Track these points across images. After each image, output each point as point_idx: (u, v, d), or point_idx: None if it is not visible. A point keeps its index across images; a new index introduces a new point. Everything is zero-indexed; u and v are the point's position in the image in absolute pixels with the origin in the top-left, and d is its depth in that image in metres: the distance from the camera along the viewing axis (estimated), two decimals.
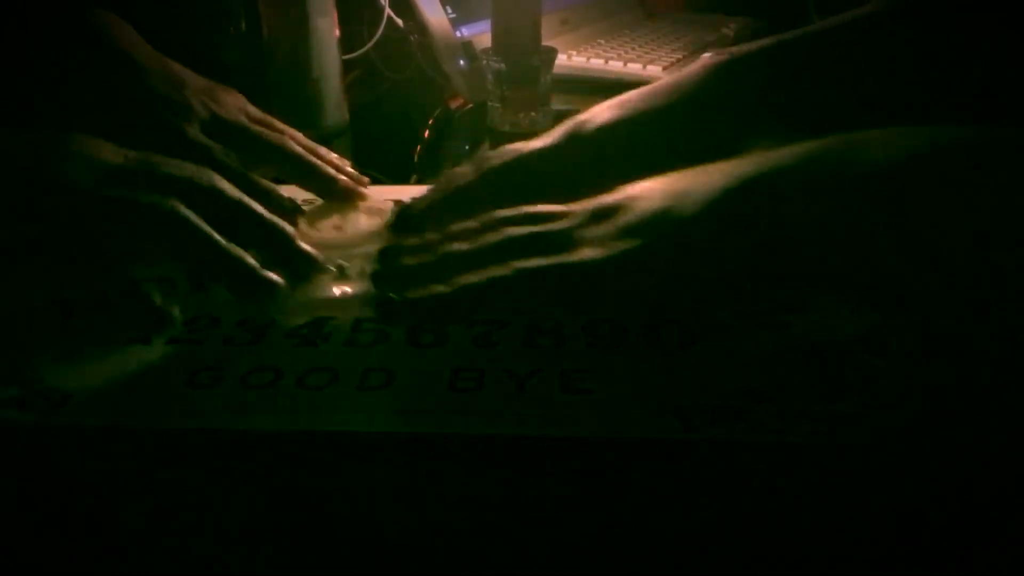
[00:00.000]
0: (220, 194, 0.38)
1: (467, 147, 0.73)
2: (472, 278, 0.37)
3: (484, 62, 0.69)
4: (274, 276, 0.38)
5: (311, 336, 0.40)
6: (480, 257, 0.38)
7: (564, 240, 0.37)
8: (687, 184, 0.36)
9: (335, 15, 0.69)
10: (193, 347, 0.39)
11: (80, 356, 0.38)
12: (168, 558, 0.28)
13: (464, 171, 0.49)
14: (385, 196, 0.54)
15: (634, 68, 0.88)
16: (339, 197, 0.52)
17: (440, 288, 0.37)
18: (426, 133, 0.77)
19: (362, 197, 0.52)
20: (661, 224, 0.35)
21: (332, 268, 0.44)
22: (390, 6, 0.82)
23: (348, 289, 0.43)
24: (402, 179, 0.62)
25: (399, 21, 0.83)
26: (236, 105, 0.54)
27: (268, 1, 0.65)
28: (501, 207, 0.41)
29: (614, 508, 0.30)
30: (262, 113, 0.55)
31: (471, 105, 0.81)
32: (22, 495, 0.31)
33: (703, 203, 0.35)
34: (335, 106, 0.71)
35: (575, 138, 0.48)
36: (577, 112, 0.53)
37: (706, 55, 0.49)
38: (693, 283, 0.36)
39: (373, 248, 0.45)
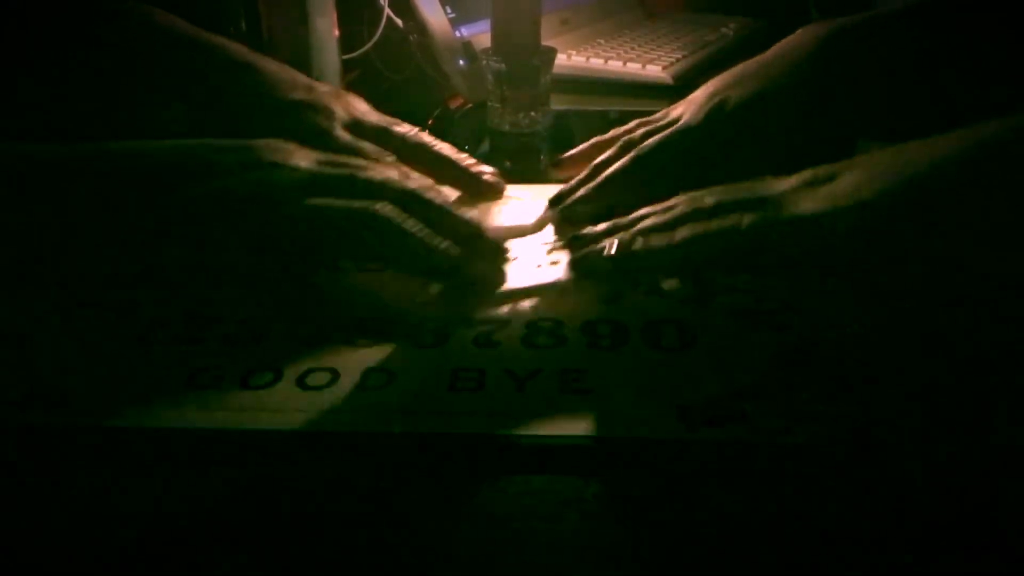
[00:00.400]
0: (416, 195, 0.39)
1: (467, 147, 0.73)
2: (701, 229, 0.37)
3: (484, 62, 0.69)
4: (480, 269, 0.39)
5: (311, 336, 0.40)
6: (690, 217, 0.38)
7: (781, 200, 0.37)
8: (901, 159, 0.35)
9: (335, 15, 0.69)
10: (193, 347, 0.39)
11: (80, 356, 0.38)
12: (168, 558, 0.28)
13: (611, 157, 0.50)
14: None
15: (634, 68, 0.88)
16: (485, 192, 0.52)
17: (659, 240, 0.38)
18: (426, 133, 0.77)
19: (502, 192, 0.53)
20: (880, 187, 0.34)
21: (515, 256, 0.45)
22: (390, 6, 0.82)
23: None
24: None
25: (399, 21, 0.83)
26: (366, 107, 0.54)
27: (268, 1, 0.65)
28: (654, 188, 0.42)
29: (614, 508, 0.30)
30: (385, 116, 0.54)
31: (471, 105, 0.81)
32: (22, 495, 0.31)
33: (928, 175, 0.34)
34: None
35: (714, 119, 0.49)
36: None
37: (805, 28, 0.50)
38: (919, 252, 0.35)
39: (538, 239, 0.48)
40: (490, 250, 0.41)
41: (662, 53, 0.95)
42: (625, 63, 0.89)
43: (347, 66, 0.75)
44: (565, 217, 0.50)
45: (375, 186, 0.38)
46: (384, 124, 0.52)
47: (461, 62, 0.80)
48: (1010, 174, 0.33)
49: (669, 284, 0.42)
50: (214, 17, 0.65)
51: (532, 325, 0.40)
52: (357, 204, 0.36)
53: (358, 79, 0.84)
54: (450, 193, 0.51)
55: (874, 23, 0.49)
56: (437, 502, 0.30)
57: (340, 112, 0.51)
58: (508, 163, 0.66)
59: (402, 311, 0.39)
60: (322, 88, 0.52)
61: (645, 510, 0.30)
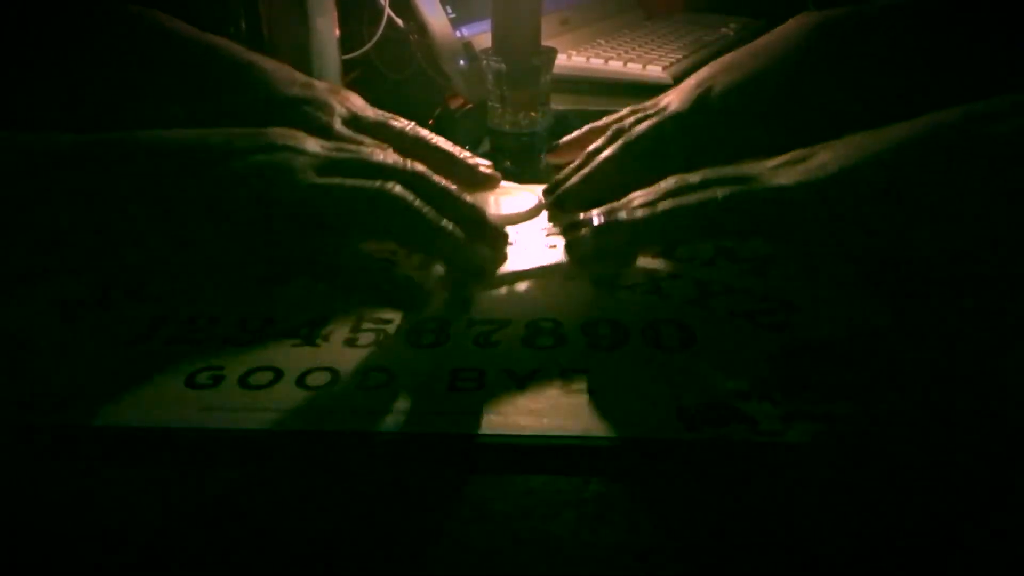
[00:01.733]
0: (424, 178, 0.40)
1: (467, 147, 0.73)
2: (681, 201, 0.39)
3: (484, 62, 0.69)
4: (484, 250, 0.40)
5: (311, 336, 0.40)
6: (677, 194, 0.40)
7: (761, 175, 0.39)
8: (873, 140, 0.37)
9: (335, 15, 0.69)
10: (193, 347, 0.39)
11: (80, 356, 0.38)
12: (168, 558, 0.28)
13: (603, 144, 0.51)
14: None
15: (634, 68, 0.88)
16: (482, 183, 0.53)
17: (650, 209, 0.39)
18: None
19: (498, 183, 0.54)
20: (853, 162, 0.36)
21: (515, 242, 0.46)
22: (390, 6, 0.82)
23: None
24: None
25: (399, 21, 0.83)
26: (361, 103, 0.54)
27: (268, 1, 0.65)
28: (645, 175, 0.43)
29: (613, 508, 0.30)
30: (381, 112, 0.55)
31: (471, 105, 0.81)
32: (22, 495, 0.31)
33: (891, 153, 0.36)
34: None
35: (702, 105, 0.50)
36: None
37: (797, 17, 0.51)
38: (886, 220, 0.36)
39: (532, 224, 0.50)
40: (493, 234, 0.42)
41: (662, 53, 0.95)
42: (625, 63, 0.89)
43: (347, 66, 0.75)
44: (558, 205, 0.51)
45: (385, 168, 0.39)
46: (382, 119, 0.53)
47: (461, 62, 0.80)
48: (965, 155, 0.35)
49: (649, 252, 0.44)
50: (214, 17, 0.65)
51: (532, 325, 0.40)
52: (368, 183, 0.37)
53: (358, 79, 0.84)
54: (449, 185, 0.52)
55: (865, 16, 0.49)
56: (437, 502, 0.30)
57: (339, 108, 0.52)
58: (508, 163, 0.66)
59: (409, 278, 0.39)
60: (320, 85, 0.53)
61: (645, 510, 0.30)
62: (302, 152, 0.38)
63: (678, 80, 0.86)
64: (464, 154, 0.54)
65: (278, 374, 0.37)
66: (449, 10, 0.81)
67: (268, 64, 0.52)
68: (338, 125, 0.51)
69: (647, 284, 0.44)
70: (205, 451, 0.33)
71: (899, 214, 0.35)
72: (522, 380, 0.36)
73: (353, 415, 0.34)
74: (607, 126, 0.55)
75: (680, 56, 0.93)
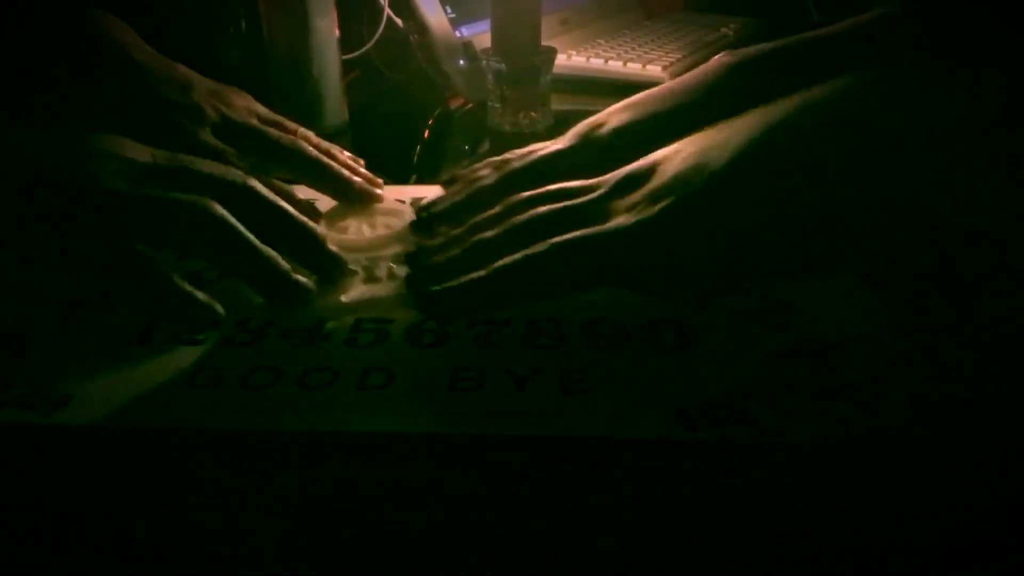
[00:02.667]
0: (254, 195, 0.38)
1: (467, 147, 0.73)
2: (507, 260, 0.37)
3: (484, 62, 0.69)
4: (305, 280, 0.38)
5: (311, 336, 0.40)
6: (513, 237, 0.38)
7: (596, 211, 0.37)
8: (713, 139, 0.36)
9: (335, 15, 0.69)
10: (193, 347, 0.39)
11: (80, 356, 0.38)
12: (168, 558, 0.28)
13: (480, 173, 0.49)
14: (391, 196, 0.54)
15: (634, 68, 0.88)
16: (355, 199, 0.51)
17: (478, 274, 0.37)
18: (426, 133, 0.77)
19: (378, 199, 0.52)
20: (692, 182, 0.35)
21: (358, 270, 0.44)
22: (390, 6, 0.82)
23: (379, 290, 0.43)
24: (402, 179, 0.62)
25: (399, 21, 0.83)
26: (245, 106, 0.53)
27: (268, 1, 0.65)
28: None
29: (614, 508, 0.30)
30: (272, 113, 0.54)
31: (471, 105, 0.81)
32: (22, 495, 0.31)
33: (732, 153, 0.35)
34: (335, 106, 0.71)
35: (588, 141, 0.49)
36: (583, 112, 0.54)
37: (718, 56, 0.49)
38: (729, 239, 0.35)
39: (396, 249, 0.46)
40: (327, 261, 0.40)
41: (662, 53, 0.95)
42: (625, 63, 0.89)
43: (347, 66, 0.75)
44: (418, 228, 0.48)
45: (208, 179, 0.38)
46: (257, 127, 0.52)
47: (461, 62, 0.80)
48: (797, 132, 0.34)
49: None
50: (214, 17, 0.65)
51: (532, 325, 0.40)
52: (181, 195, 0.36)
53: (358, 79, 0.84)
54: (328, 201, 0.51)
55: (779, 55, 0.48)
56: (437, 502, 0.30)
57: (210, 113, 0.50)
58: None
59: (205, 303, 0.38)
60: (201, 87, 0.52)
61: (645, 510, 0.30)
62: (117, 159, 0.36)
63: None
64: (349, 166, 0.52)
65: (278, 374, 0.37)
66: (449, 10, 0.81)
67: (151, 64, 0.51)
68: (204, 134, 0.49)
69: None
70: (205, 451, 0.33)
71: (749, 222, 0.35)
72: (522, 380, 0.36)
73: (353, 415, 0.34)
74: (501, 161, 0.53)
75: (680, 56, 0.93)
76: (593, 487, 0.31)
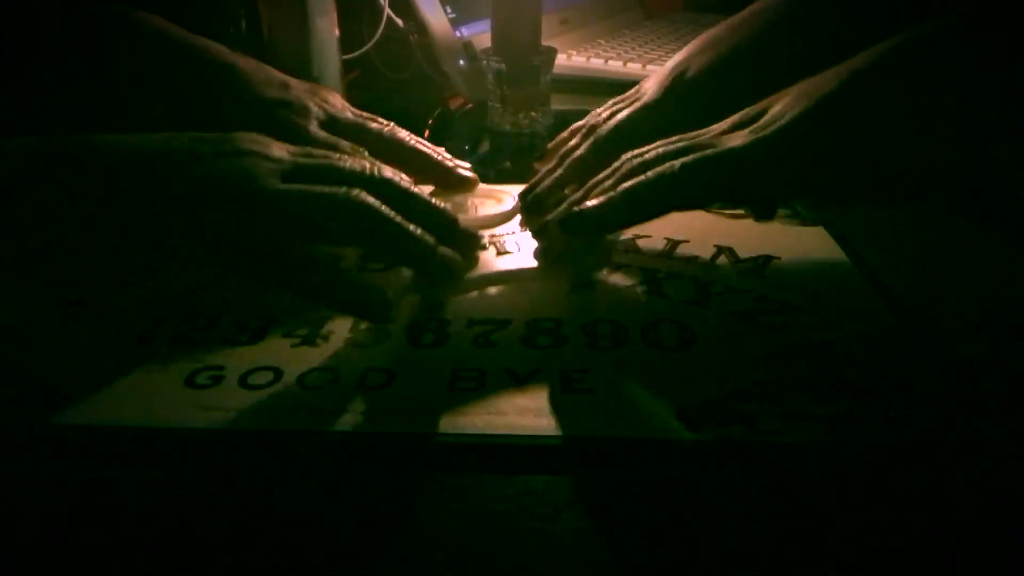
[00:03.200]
0: (392, 184, 0.40)
1: (467, 147, 0.73)
2: (641, 178, 0.40)
3: (484, 62, 0.69)
4: (453, 254, 0.39)
5: (311, 336, 0.40)
6: (634, 172, 0.41)
7: (713, 143, 0.40)
8: (817, 81, 0.39)
9: (335, 15, 0.69)
10: (193, 347, 0.39)
11: (80, 356, 0.38)
12: (167, 558, 0.28)
13: (573, 144, 0.52)
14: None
15: (634, 68, 0.88)
16: (456, 186, 0.53)
17: (611, 194, 0.40)
18: (426, 133, 0.77)
19: (476, 184, 0.53)
20: (798, 112, 0.38)
21: (487, 246, 0.45)
22: (390, 6, 0.82)
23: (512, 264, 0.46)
24: None
25: (399, 21, 0.83)
26: (341, 103, 0.54)
27: (268, 1, 0.65)
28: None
29: (614, 508, 0.30)
30: (360, 111, 0.55)
31: (471, 105, 0.81)
32: (22, 495, 0.31)
33: (836, 89, 0.37)
34: None
35: (675, 90, 0.51)
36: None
37: None
38: (831, 161, 0.38)
39: (511, 226, 0.50)
40: (463, 238, 0.41)
41: (662, 53, 0.95)
42: (625, 63, 0.89)
43: (347, 66, 0.75)
44: (529, 208, 0.50)
45: (352, 174, 0.39)
46: (359, 121, 0.53)
47: (461, 62, 0.80)
48: (905, 80, 0.37)
49: (613, 238, 0.44)
50: (214, 17, 0.65)
51: (532, 325, 0.40)
52: (333, 189, 0.37)
53: (358, 79, 0.84)
54: (425, 188, 0.52)
55: None
56: (437, 502, 0.30)
57: (315, 109, 0.51)
58: (508, 163, 0.66)
59: (376, 287, 0.39)
60: (298, 86, 0.53)
61: (645, 510, 0.30)
62: (267, 158, 0.37)
63: None
64: (442, 156, 0.53)
65: (278, 374, 0.37)
66: (449, 10, 0.81)
67: (248, 64, 0.52)
68: (313, 128, 0.50)
69: (647, 284, 0.44)
70: (205, 451, 0.33)
71: (849, 146, 0.37)
72: (522, 380, 0.36)
73: (353, 415, 0.34)
74: (585, 124, 0.55)
75: None
76: (593, 487, 0.31)
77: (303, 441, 0.33)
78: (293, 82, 0.53)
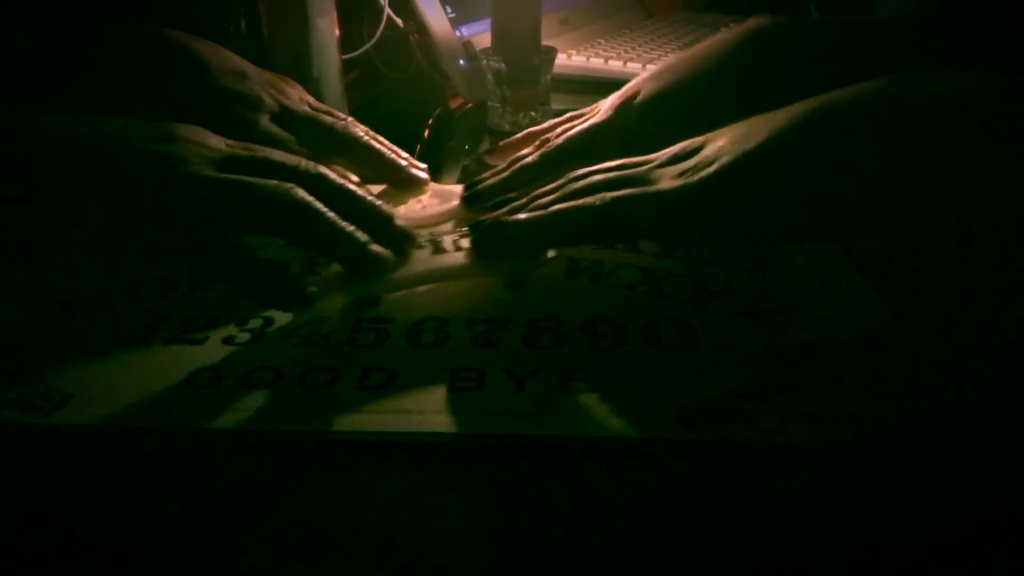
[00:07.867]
0: (327, 180, 0.40)
1: (467, 147, 0.73)
2: (566, 205, 0.40)
3: (484, 62, 0.69)
4: (384, 251, 0.40)
5: (311, 336, 0.40)
6: (571, 196, 0.41)
7: (647, 178, 0.40)
8: (760, 123, 0.38)
9: (335, 15, 0.69)
10: (193, 347, 0.39)
11: (80, 356, 0.38)
12: (167, 558, 0.28)
13: (526, 152, 0.52)
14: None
15: (634, 68, 0.88)
16: (407, 184, 0.53)
17: (538, 213, 0.40)
18: (426, 133, 0.77)
19: (426, 183, 0.54)
20: (734, 158, 0.37)
21: (425, 244, 0.45)
22: (390, 6, 0.82)
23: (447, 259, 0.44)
24: None
25: (399, 21, 0.83)
26: (298, 95, 0.54)
27: (268, 1, 0.65)
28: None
29: (614, 508, 0.30)
30: (320, 104, 0.55)
31: (471, 105, 0.81)
32: (22, 495, 0.31)
33: (777, 135, 0.37)
34: (335, 106, 0.70)
35: (625, 111, 0.51)
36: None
37: (749, 21, 0.51)
38: (765, 212, 0.37)
39: (454, 225, 0.49)
40: (398, 236, 0.41)
41: (662, 53, 0.95)
42: (625, 63, 0.89)
43: (347, 66, 0.75)
44: (469, 201, 0.50)
45: (286, 168, 0.39)
46: (312, 114, 0.53)
47: (461, 62, 0.80)
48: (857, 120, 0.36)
49: (549, 255, 0.44)
50: (214, 17, 0.65)
51: (532, 325, 0.40)
52: (265, 182, 0.37)
53: (358, 79, 0.84)
54: (375, 187, 0.52)
55: (805, 26, 0.50)
56: (437, 502, 0.30)
57: (269, 102, 0.51)
58: None
59: (303, 281, 0.40)
60: (256, 76, 0.53)
61: (645, 510, 0.30)
62: (200, 146, 0.38)
63: None
64: (396, 154, 0.53)
65: (278, 374, 0.37)
66: (449, 10, 0.81)
67: (206, 51, 0.52)
68: (264, 122, 0.50)
69: (647, 284, 0.44)
70: (205, 451, 0.33)
71: (788, 193, 0.36)
72: (522, 380, 0.36)
73: (353, 415, 0.34)
74: (542, 131, 0.55)
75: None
76: (593, 487, 0.31)
77: (303, 441, 0.33)
78: (252, 71, 0.53)
